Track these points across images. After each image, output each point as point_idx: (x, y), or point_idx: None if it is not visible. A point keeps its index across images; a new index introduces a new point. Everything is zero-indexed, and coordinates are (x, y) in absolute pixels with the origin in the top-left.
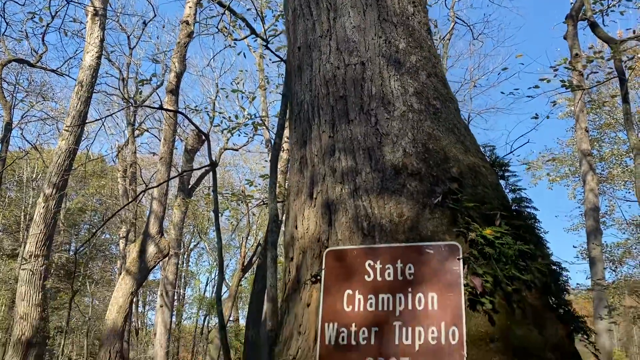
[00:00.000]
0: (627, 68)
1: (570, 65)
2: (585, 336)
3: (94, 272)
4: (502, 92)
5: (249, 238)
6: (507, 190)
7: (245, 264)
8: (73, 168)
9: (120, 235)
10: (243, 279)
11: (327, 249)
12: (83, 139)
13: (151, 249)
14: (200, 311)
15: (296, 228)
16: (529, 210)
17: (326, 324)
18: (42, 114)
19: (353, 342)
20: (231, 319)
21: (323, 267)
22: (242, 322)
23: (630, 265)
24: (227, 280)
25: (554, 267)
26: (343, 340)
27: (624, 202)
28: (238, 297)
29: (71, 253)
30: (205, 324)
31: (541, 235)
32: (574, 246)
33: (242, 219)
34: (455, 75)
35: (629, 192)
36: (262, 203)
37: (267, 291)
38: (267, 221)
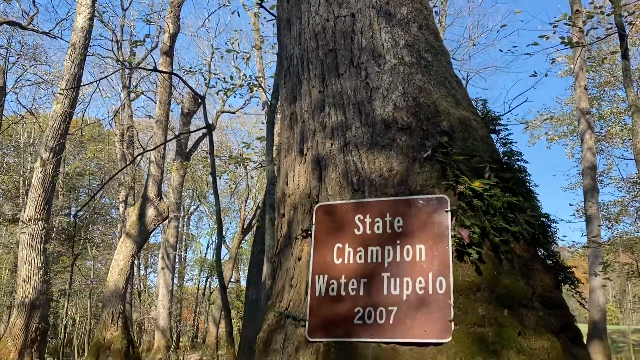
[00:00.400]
0: (628, 23)
1: (570, 22)
2: (572, 286)
3: (95, 236)
4: (500, 50)
5: (248, 201)
6: (498, 144)
7: (245, 226)
8: (70, 132)
9: (120, 199)
10: (243, 241)
11: (318, 204)
12: (79, 102)
13: (150, 212)
14: (202, 273)
15: (287, 184)
16: (519, 163)
17: (316, 276)
18: (37, 77)
19: (342, 293)
20: (232, 280)
21: (313, 222)
22: (243, 283)
23: (626, 223)
24: (227, 243)
25: (542, 219)
26: (333, 291)
27: (622, 161)
28: (239, 259)
29: (71, 217)
30: (207, 285)
31: (531, 188)
32: (570, 204)
33: (241, 182)
34: (454, 33)
35: (627, 150)
36: (259, 166)
37: (266, 252)
38: (265, 184)
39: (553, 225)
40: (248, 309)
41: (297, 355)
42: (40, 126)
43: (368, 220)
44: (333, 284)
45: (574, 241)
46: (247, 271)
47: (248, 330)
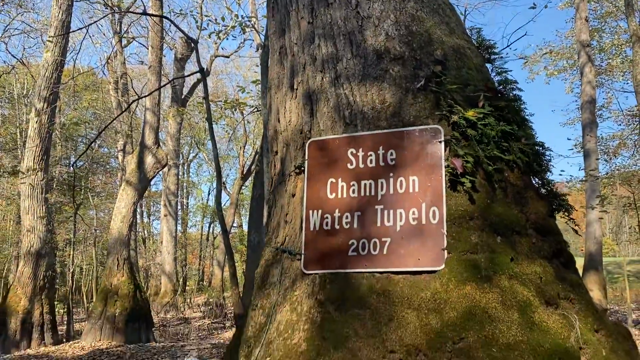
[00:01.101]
0: None
1: None
2: (566, 213)
3: (95, 185)
4: None
5: (246, 147)
6: (493, 73)
7: (244, 172)
8: (63, 82)
9: (118, 148)
10: (243, 187)
11: (310, 140)
12: (69, 51)
13: (149, 160)
14: (205, 219)
15: (279, 121)
16: (514, 92)
17: (310, 212)
18: (25, 26)
19: (337, 227)
20: (234, 225)
21: (306, 157)
22: (246, 228)
23: (624, 156)
24: (228, 189)
25: (537, 147)
26: (327, 225)
27: (622, 94)
28: (240, 204)
29: (70, 167)
30: (211, 231)
31: (526, 116)
32: (568, 138)
33: (238, 128)
34: None
35: (627, 83)
36: (256, 110)
37: (265, 196)
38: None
39: (547, 153)
40: (250, 252)
41: (293, 288)
42: (32, 76)
43: (361, 154)
44: (327, 218)
45: (571, 175)
46: (248, 216)
47: (251, 272)
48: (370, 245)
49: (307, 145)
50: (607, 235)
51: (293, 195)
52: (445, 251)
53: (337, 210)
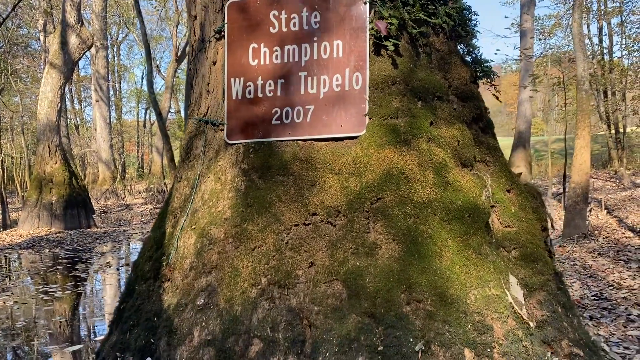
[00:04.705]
0: None
1: None
2: (488, 80)
3: (18, 69)
4: None
5: (179, 27)
6: None
7: (178, 54)
8: None
9: (39, 29)
10: (178, 70)
11: (229, 1)
12: None
13: (73, 40)
14: (140, 105)
15: None
16: None
17: (232, 79)
18: None
19: (260, 95)
20: (172, 110)
21: (226, 21)
22: (184, 114)
23: (558, 36)
24: (162, 73)
25: (464, 11)
26: (250, 94)
27: None
28: (176, 89)
29: None
30: (147, 117)
31: None
32: (506, 16)
33: (170, 4)
34: None
35: None
36: None
37: None
38: None
39: (474, 18)
40: None
41: (217, 158)
42: None
43: (284, 16)
44: (250, 86)
45: (507, 55)
46: (184, 100)
47: None
48: (294, 113)
49: (226, 6)
50: (538, 116)
51: (214, 63)
52: (367, 117)
53: (260, 78)
